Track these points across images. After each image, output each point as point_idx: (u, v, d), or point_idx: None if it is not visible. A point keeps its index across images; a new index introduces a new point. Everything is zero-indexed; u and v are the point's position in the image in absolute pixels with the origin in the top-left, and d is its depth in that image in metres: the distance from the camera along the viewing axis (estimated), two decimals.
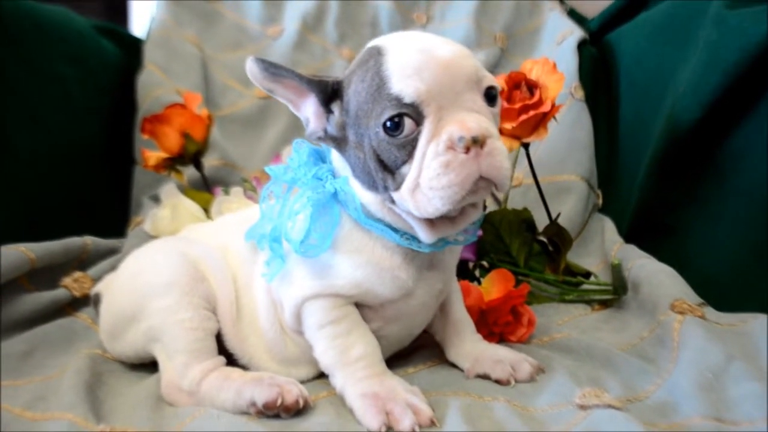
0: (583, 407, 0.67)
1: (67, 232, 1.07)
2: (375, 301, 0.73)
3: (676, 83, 1.11)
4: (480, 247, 1.04)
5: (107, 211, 1.32)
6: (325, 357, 0.72)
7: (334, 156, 0.74)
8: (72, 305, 0.97)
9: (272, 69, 0.67)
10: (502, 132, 1.00)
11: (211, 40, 1.65)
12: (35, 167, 1.15)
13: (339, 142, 0.70)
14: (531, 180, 1.34)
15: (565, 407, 0.68)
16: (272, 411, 0.67)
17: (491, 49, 1.61)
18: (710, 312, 0.87)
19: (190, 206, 1.05)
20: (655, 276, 0.95)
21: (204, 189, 1.20)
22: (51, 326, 0.92)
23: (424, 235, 0.68)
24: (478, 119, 0.64)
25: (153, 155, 1.14)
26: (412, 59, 0.64)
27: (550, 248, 1.11)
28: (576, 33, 1.50)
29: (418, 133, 0.64)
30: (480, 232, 1.00)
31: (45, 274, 0.96)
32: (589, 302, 1.07)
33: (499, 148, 0.64)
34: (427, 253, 0.72)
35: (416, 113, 0.63)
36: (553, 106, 0.98)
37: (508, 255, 1.10)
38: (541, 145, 1.40)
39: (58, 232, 1.05)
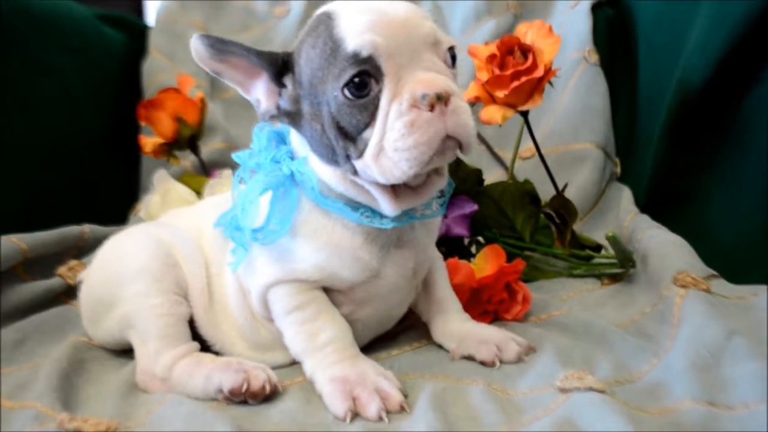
0: (563, 390, 0.63)
1: (73, 221, 1.08)
2: (342, 285, 0.70)
3: (688, 42, 1.03)
4: (478, 221, 1.00)
5: (116, 199, 1.33)
6: (294, 343, 0.70)
7: (293, 136, 0.71)
8: (67, 293, 0.97)
9: (219, 45, 0.65)
10: (495, 100, 0.95)
11: (218, 24, 1.64)
12: (35, 158, 1.16)
13: (293, 116, 0.67)
14: (545, 150, 1.29)
15: (546, 390, 0.64)
16: (238, 397, 0.65)
17: (504, 17, 1.54)
18: (719, 284, 0.81)
19: (181, 191, 1.04)
20: (662, 247, 0.89)
21: (203, 173, 1.19)
22: (45, 315, 0.92)
23: (388, 208, 0.65)
24: (440, 77, 0.61)
25: (149, 141, 1.13)
26: (365, 18, 0.61)
27: (557, 221, 1.05)
28: None
29: (379, 92, 0.61)
30: (475, 206, 0.96)
31: (40, 264, 0.97)
32: (599, 276, 1.02)
33: (464, 106, 0.61)
34: (392, 232, 0.69)
35: (375, 69, 0.61)
36: (549, 70, 0.93)
37: (512, 229, 1.05)
38: (553, 112, 1.34)
39: (64, 221, 1.06)
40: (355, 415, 0.62)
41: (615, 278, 0.99)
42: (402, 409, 0.63)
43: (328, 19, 0.64)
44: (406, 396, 0.65)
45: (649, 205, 1.13)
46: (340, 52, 0.61)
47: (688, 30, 1.06)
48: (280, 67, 0.67)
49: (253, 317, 0.74)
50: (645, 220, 1.03)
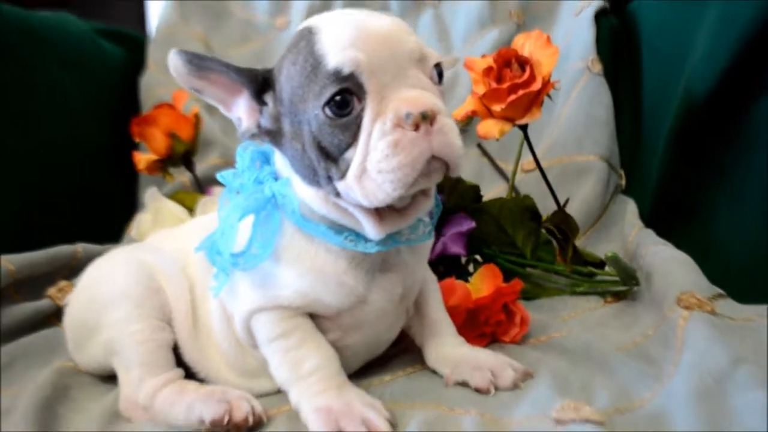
0: (559, 422, 0.60)
1: (70, 237, 1.07)
2: (327, 311, 0.67)
3: (693, 50, 1.00)
4: (476, 239, 0.97)
5: (113, 215, 1.32)
6: (279, 372, 0.67)
7: (277, 156, 0.69)
8: (56, 315, 0.96)
9: (197, 61, 0.63)
10: (492, 114, 0.93)
11: (218, 36, 1.64)
12: (32, 173, 1.15)
13: (274, 135, 0.65)
14: (546, 163, 1.26)
15: (541, 420, 0.61)
16: (221, 429, 0.63)
17: (507, 26, 1.52)
18: (725, 304, 0.77)
19: (173, 209, 1.02)
20: (666, 265, 0.86)
21: (197, 190, 1.18)
22: (34, 337, 0.91)
23: (372, 231, 0.62)
24: (425, 95, 0.59)
25: (143, 158, 1.12)
26: (347, 33, 0.59)
27: (558, 236, 1.02)
28: (594, 3, 1.39)
29: (362, 111, 0.58)
30: (472, 224, 0.93)
31: (30, 284, 0.96)
32: (602, 294, 0.98)
33: (450, 125, 0.59)
34: (377, 256, 0.66)
35: (357, 87, 0.58)
36: (547, 83, 0.90)
37: (513, 246, 1.02)
38: (556, 124, 1.31)
39: (60, 237, 1.05)
40: None
41: (618, 296, 0.96)
42: None
43: (309, 34, 0.62)
44: (395, 426, 0.62)
45: (654, 218, 1.10)
46: (321, 69, 0.59)
47: (694, 37, 1.03)
48: (260, 84, 0.65)
49: (238, 344, 0.72)
50: (649, 235, 1.00)
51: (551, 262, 1.04)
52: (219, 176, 0.73)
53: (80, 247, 1.05)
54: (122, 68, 1.44)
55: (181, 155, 1.11)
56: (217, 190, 1.05)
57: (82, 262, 1.03)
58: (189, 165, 1.14)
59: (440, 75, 0.63)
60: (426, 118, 0.57)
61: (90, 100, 1.31)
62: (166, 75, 1.43)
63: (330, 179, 0.61)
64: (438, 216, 0.71)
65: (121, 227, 1.29)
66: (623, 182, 1.26)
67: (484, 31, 1.53)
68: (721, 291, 0.81)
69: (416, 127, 0.57)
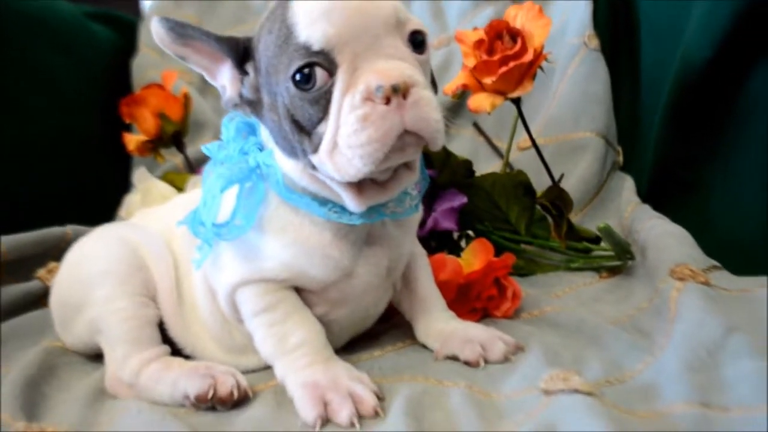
0: (547, 392, 0.59)
1: (63, 220, 1.06)
2: (312, 284, 0.66)
3: (690, 21, 0.98)
4: (469, 214, 0.96)
5: (106, 198, 1.30)
6: (264, 346, 0.66)
7: (262, 127, 0.67)
8: (46, 296, 0.94)
9: (179, 29, 0.61)
10: (483, 88, 0.91)
11: (212, 19, 1.61)
12: (25, 157, 1.14)
13: (255, 106, 0.64)
14: (543, 140, 1.25)
15: (529, 392, 0.60)
16: (205, 404, 0.62)
17: (502, 2, 1.49)
18: (721, 276, 0.76)
19: (163, 189, 1.01)
20: (661, 238, 0.85)
21: (188, 170, 1.17)
22: (24, 318, 0.91)
23: (352, 204, 0.61)
24: (400, 66, 0.56)
25: (133, 138, 1.11)
26: (320, 2, 0.57)
27: (553, 212, 1.01)
28: None
29: (332, 85, 0.56)
30: (464, 199, 0.92)
31: (20, 266, 0.95)
32: (597, 269, 0.97)
33: (427, 97, 0.56)
34: (363, 228, 0.65)
35: (328, 61, 0.56)
36: (539, 54, 0.88)
37: (507, 222, 1.01)
38: (553, 101, 1.29)
39: (53, 220, 1.04)
40: (327, 421, 0.59)
41: (614, 271, 0.95)
42: (376, 413, 0.59)
43: (284, 2, 0.60)
44: (382, 400, 0.62)
45: (652, 194, 1.09)
46: (292, 40, 0.57)
47: (690, 8, 1.01)
48: (241, 53, 0.63)
49: (224, 319, 0.71)
50: (645, 210, 0.99)
51: (546, 238, 1.02)
52: (203, 148, 0.71)
53: (70, 229, 1.04)
54: (113, 51, 1.42)
55: (171, 136, 1.10)
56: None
57: (72, 243, 1.03)
58: (180, 146, 1.13)
59: (421, 43, 0.61)
60: (397, 91, 0.55)
61: (81, 84, 1.30)
62: (159, 57, 1.43)
63: (305, 152, 0.60)
64: (425, 189, 0.70)
65: (112, 210, 1.28)
66: (621, 159, 1.24)
67: (478, 9, 1.50)
68: (716, 263, 0.80)
69: (387, 101, 0.55)
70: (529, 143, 1.29)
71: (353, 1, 0.57)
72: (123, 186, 1.36)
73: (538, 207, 1.01)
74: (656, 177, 1.08)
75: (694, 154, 0.98)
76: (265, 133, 0.67)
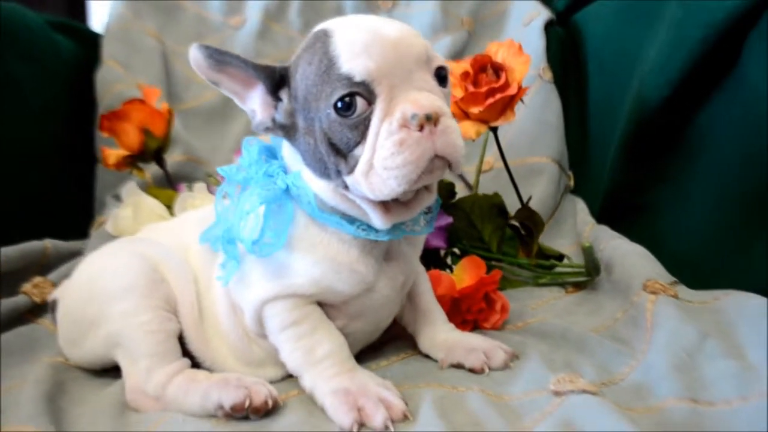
0: (557, 393, 0.66)
1: (28, 236, 1.04)
2: (336, 299, 0.71)
3: (642, 62, 1.10)
4: (452, 233, 1.03)
5: (70, 212, 1.28)
6: (292, 359, 0.70)
7: (285, 152, 0.72)
8: (32, 312, 0.94)
9: (217, 56, 0.65)
10: (469, 116, 0.99)
11: (171, 33, 1.61)
12: None
13: (288, 130, 0.68)
14: (501, 164, 1.34)
15: (539, 394, 0.67)
16: (240, 413, 0.65)
17: (458, 33, 1.59)
18: (683, 290, 0.87)
19: (152, 204, 1.02)
20: (627, 257, 0.95)
21: (168, 186, 1.17)
22: (11, 334, 0.88)
23: (379, 221, 0.67)
24: (431, 97, 0.63)
25: (113, 153, 1.10)
26: (360, 38, 0.62)
27: (523, 232, 1.10)
28: (543, 14, 1.49)
29: (371, 113, 0.62)
30: (450, 219, 0.99)
31: (5, 281, 0.93)
32: (563, 285, 1.06)
33: (453, 126, 0.63)
34: (384, 244, 0.71)
35: (367, 92, 0.62)
36: (519, 88, 0.97)
37: (481, 241, 1.08)
38: (510, 127, 1.39)
39: (17, 236, 1.02)
40: (361, 425, 0.63)
41: (578, 286, 1.04)
42: (405, 417, 0.64)
43: (324, 36, 0.65)
44: (406, 404, 0.66)
45: (604, 216, 1.20)
46: (334, 71, 0.62)
47: (641, 51, 1.13)
48: (276, 80, 0.68)
49: (245, 334, 0.74)
50: (605, 230, 1.09)
51: (514, 255, 1.11)
52: (220, 170, 0.74)
53: (49, 243, 1.03)
54: (75, 62, 1.40)
55: (153, 151, 1.10)
56: (197, 185, 1.05)
57: (52, 259, 1.02)
58: (160, 161, 1.14)
59: (444, 78, 0.68)
60: (430, 119, 0.61)
61: (47, 95, 1.27)
62: (125, 71, 1.42)
63: (339, 173, 0.65)
64: (437, 210, 0.76)
65: (75, 225, 1.26)
66: (572, 182, 1.35)
67: (437, 37, 1.59)
68: (676, 279, 0.90)
69: (421, 128, 0.61)
70: (488, 166, 1.39)
71: (390, 38, 0.63)
72: (84, 200, 1.34)
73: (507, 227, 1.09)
74: (609, 200, 1.19)
75: (646, 179, 1.10)
76: (288, 156, 0.72)
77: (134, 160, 1.12)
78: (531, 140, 1.36)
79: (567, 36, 1.49)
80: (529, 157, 1.35)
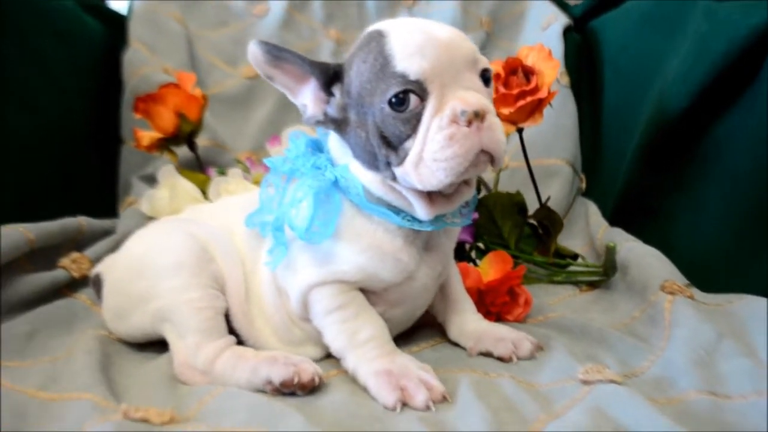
0: (586, 382, 0.70)
1: (54, 213, 1.06)
2: (379, 286, 0.75)
3: (664, 72, 1.15)
4: (476, 229, 1.07)
5: (93, 191, 1.30)
6: (336, 342, 0.74)
7: (332, 145, 0.75)
8: (69, 286, 0.96)
9: (275, 51, 0.69)
10: (499, 116, 1.02)
11: (194, 18, 1.62)
12: (22, 146, 1.13)
13: (339, 123, 0.72)
14: (517, 163, 1.38)
15: (568, 383, 0.71)
16: (289, 389, 0.69)
17: (477, 33, 1.63)
18: (697, 293, 0.91)
19: (187, 187, 1.05)
20: (643, 258, 0.99)
21: (197, 169, 1.20)
22: (52, 307, 0.91)
23: (423, 212, 0.71)
24: (477, 96, 0.67)
25: (146, 135, 1.13)
26: (414, 39, 0.66)
27: (540, 231, 1.14)
28: (561, 19, 1.53)
29: (422, 109, 0.66)
30: (476, 215, 1.03)
31: (43, 255, 0.95)
32: (576, 283, 1.11)
33: (497, 123, 0.68)
34: (425, 235, 0.75)
35: (420, 90, 0.66)
36: (549, 92, 1.01)
37: (500, 237, 1.13)
38: (528, 129, 1.42)
39: (44, 213, 1.04)
40: (404, 404, 0.67)
41: (592, 285, 1.09)
42: (445, 399, 0.68)
43: (379, 36, 0.69)
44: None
45: (616, 218, 1.24)
46: (389, 69, 0.66)
47: (662, 61, 1.17)
48: (330, 76, 0.72)
49: (288, 316, 0.78)
50: (620, 233, 1.14)
51: (530, 253, 1.15)
52: (267, 161, 0.78)
53: (84, 220, 1.05)
54: (103, 43, 1.42)
55: (187, 135, 1.13)
56: (232, 170, 1.08)
57: (87, 235, 1.05)
58: (191, 145, 1.16)
59: (488, 79, 0.72)
60: (478, 116, 0.66)
61: (77, 74, 1.29)
62: (151, 54, 1.44)
63: (389, 165, 0.69)
64: (475, 204, 0.80)
65: (99, 203, 1.28)
66: (584, 185, 1.40)
67: None
68: (689, 282, 0.95)
69: (469, 124, 0.66)
70: (505, 165, 1.43)
71: (442, 40, 0.67)
72: (110, 178, 1.36)
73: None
74: (623, 203, 1.24)
75: (661, 185, 1.14)
76: (335, 149, 0.75)
77: (167, 143, 1.14)
78: (547, 142, 1.40)
79: (583, 42, 1.53)
80: (544, 158, 1.40)
